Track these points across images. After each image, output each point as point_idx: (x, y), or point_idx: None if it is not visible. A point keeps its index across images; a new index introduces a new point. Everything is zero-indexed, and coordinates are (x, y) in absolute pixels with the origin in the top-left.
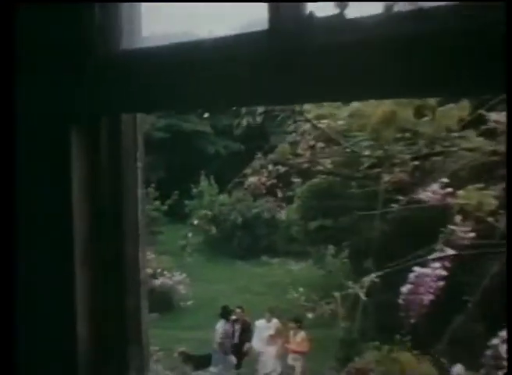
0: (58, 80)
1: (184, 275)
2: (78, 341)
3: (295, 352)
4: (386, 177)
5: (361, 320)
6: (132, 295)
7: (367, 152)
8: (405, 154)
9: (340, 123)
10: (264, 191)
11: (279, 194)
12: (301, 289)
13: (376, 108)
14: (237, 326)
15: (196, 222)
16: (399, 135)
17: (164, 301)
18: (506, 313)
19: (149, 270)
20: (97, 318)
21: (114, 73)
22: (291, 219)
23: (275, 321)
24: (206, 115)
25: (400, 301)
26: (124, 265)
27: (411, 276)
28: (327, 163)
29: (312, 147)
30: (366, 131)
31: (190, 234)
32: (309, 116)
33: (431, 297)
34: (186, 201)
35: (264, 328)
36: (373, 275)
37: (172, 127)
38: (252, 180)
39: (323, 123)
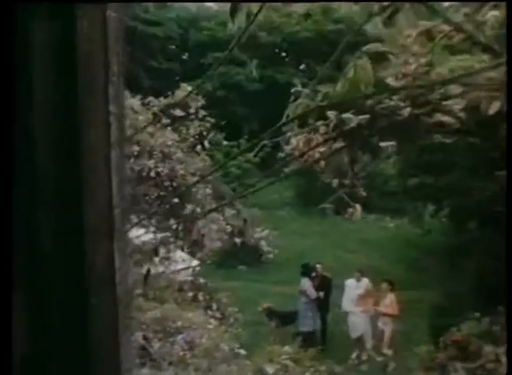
0: None
1: (267, 231)
2: None
3: (384, 315)
4: None
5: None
6: (97, 318)
7: None
8: None
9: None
10: (322, 165)
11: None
12: None
13: None
14: (316, 282)
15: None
16: None
17: (250, 255)
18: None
19: (229, 228)
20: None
21: None
22: (388, 174)
23: (365, 280)
24: (302, 66)
25: None
26: (83, 272)
27: None
28: (454, 106)
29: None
30: None
31: (282, 188)
32: None
33: None
34: (280, 154)
35: (353, 288)
36: None
37: (267, 79)
38: (294, 142)
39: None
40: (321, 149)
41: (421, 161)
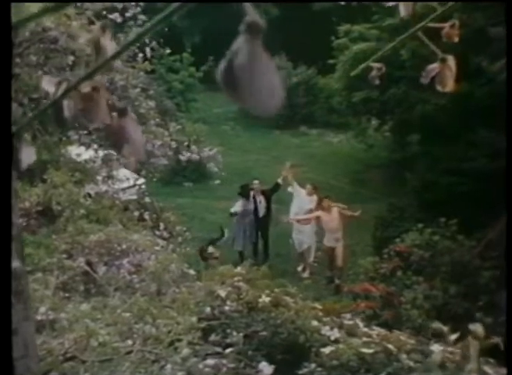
0: None
1: (215, 150)
2: None
3: (332, 230)
4: None
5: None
6: None
7: None
8: None
9: None
10: None
11: None
12: None
13: None
14: (259, 198)
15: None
16: None
17: (196, 172)
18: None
19: (174, 144)
20: None
21: None
22: (332, 89)
23: (315, 197)
24: None
25: None
26: None
27: None
28: None
29: None
30: None
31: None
32: None
33: None
34: None
35: (303, 199)
36: None
37: None
38: None
39: None
40: None
41: (368, 74)
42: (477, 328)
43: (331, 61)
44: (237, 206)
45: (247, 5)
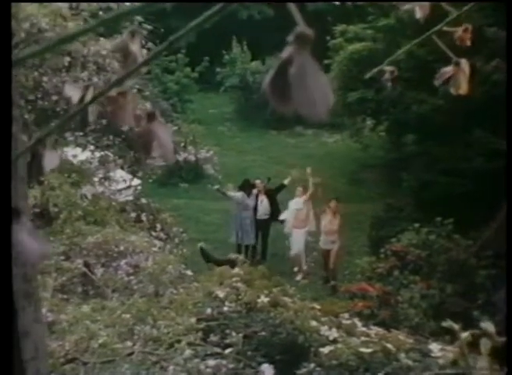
0: None
1: (211, 152)
2: None
3: (329, 233)
4: None
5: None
6: None
7: None
8: None
9: None
10: None
11: None
12: None
13: None
14: (261, 198)
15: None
16: None
17: (192, 172)
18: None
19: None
20: None
21: None
22: None
23: (305, 197)
24: None
25: None
26: None
27: None
28: None
29: None
30: None
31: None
32: None
33: None
34: (218, 69)
35: (293, 204)
36: None
37: None
38: None
39: None
40: None
41: (362, 74)
42: (488, 326)
43: (326, 61)
44: (236, 194)
45: (297, 16)
